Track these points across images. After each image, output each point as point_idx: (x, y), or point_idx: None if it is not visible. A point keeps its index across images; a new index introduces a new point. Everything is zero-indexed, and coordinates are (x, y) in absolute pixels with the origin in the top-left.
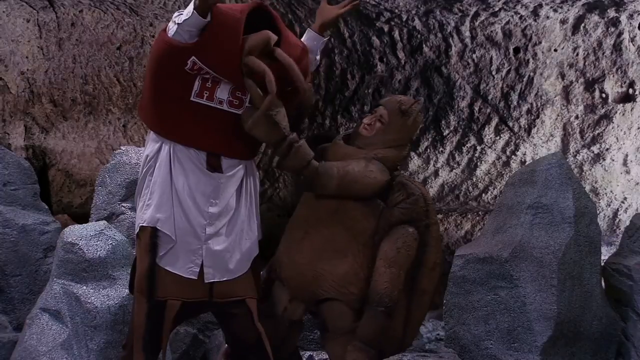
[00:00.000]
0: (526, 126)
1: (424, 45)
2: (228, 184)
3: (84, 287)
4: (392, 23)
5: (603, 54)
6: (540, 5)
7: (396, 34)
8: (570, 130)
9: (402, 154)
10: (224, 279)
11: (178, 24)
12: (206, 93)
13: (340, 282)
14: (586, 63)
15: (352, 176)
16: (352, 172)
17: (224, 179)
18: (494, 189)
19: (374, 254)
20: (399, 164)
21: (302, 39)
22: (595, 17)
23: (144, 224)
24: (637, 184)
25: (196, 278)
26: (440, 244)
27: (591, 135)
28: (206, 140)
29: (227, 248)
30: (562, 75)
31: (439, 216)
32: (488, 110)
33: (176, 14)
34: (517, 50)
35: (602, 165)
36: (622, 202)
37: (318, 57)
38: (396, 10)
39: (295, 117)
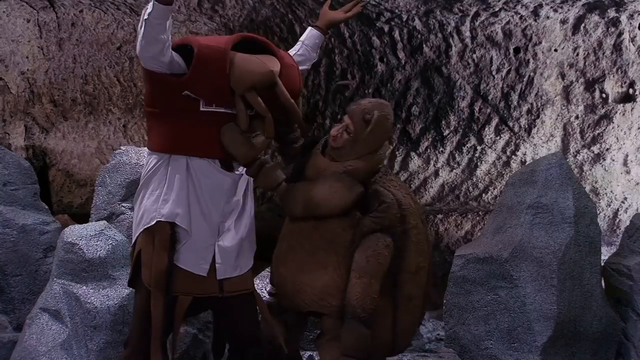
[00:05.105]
0: (526, 126)
1: (424, 45)
2: (241, 181)
3: (84, 287)
4: (393, 23)
5: (603, 54)
6: (541, 5)
7: (396, 34)
8: (570, 130)
9: (375, 160)
10: (234, 275)
11: (145, 20)
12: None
13: (319, 295)
14: (586, 63)
15: (315, 200)
16: (315, 197)
17: (238, 176)
18: (494, 189)
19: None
20: (375, 170)
21: (302, 36)
22: (595, 17)
23: (162, 219)
24: (638, 184)
25: (205, 275)
26: (421, 248)
27: (591, 135)
28: (218, 148)
29: (236, 244)
30: (562, 75)
31: (439, 216)
32: (488, 110)
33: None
34: (517, 50)
35: (602, 165)
36: (622, 202)
37: (316, 54)
38: (396, 10)
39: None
